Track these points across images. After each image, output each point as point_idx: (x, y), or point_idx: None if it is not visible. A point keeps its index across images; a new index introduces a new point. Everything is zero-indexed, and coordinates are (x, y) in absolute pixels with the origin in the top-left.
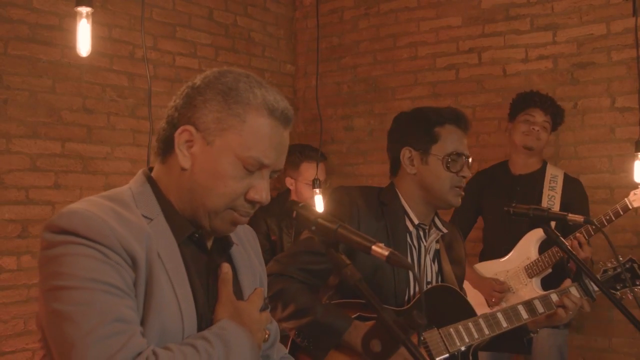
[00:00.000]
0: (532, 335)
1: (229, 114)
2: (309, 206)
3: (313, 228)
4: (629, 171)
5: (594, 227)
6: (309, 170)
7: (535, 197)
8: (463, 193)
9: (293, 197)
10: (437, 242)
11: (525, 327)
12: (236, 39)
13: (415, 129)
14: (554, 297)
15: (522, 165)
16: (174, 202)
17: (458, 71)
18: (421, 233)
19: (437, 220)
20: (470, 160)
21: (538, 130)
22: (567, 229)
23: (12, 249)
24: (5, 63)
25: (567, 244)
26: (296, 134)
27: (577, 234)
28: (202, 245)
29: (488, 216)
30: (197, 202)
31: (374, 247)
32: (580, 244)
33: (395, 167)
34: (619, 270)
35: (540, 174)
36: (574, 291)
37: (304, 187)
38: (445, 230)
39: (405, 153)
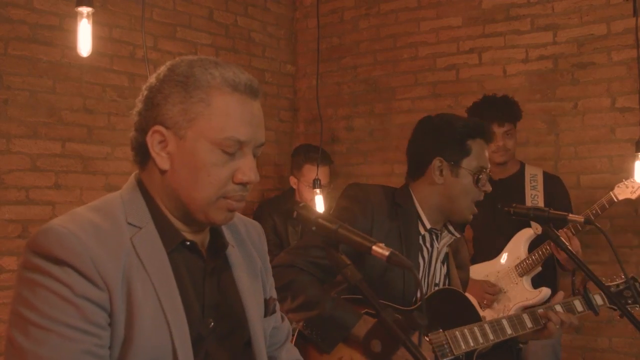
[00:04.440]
0: (521, 346)
1: (192, 102)
2: (309, 206)
3: (313, 228)
4: (629, 171)
5: (593, 226)
6: (311, 172)
7: (519, 198)
8: (476, 210)
9: (296, 197)
10: (447, 245)
11: (516, 337)
12: (236, 39)
13: (448, 139)
14: (558, 308)
15: (499, 171)
16: (164, 207)
17: (458, 71)
18: (433, 237)
19: (449, 225)
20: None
21: (503, 144)
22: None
23: (13, 249)
24: (6, 63)
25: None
26: (297, 134)
27: (564, 230)
28: (196, 251)
29: (474, 223)
30: (186, 200)
31: (374, 247)
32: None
33: (418, 172)
34: (621, 287)
35: (519, 175)
36: (559, 308)
37: (305, 189)
38: (458, 235)
39: (436, 163)
